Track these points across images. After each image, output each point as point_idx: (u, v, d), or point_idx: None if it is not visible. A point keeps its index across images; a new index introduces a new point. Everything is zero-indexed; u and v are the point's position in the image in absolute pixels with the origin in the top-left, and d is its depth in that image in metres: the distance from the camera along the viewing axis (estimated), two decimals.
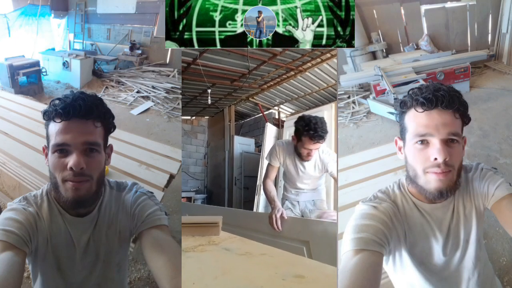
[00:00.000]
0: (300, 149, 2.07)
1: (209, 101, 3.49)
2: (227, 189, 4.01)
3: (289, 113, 4.05)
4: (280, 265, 1.06)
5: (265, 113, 4.04)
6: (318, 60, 2.92)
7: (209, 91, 3.37)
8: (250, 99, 3.94)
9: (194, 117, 4.64)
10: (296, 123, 2.06)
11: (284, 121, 3.83)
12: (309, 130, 1.97)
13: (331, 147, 2.80)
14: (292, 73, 3.22)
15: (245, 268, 1.05)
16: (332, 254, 1.61)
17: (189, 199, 4.11)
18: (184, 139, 4.46)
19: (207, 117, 4.68)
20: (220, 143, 4.29)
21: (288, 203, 2.27)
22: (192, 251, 1.17)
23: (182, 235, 1.35)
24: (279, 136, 3.61)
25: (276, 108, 4.10)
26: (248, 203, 3.72)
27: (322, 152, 2.14)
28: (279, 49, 2.74)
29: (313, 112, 3.19)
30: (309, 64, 3.03)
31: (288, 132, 3.37)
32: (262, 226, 2.07)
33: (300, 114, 2.15)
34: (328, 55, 2.80)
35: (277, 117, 4.07)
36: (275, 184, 2.28)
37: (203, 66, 2.92)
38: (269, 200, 2.07)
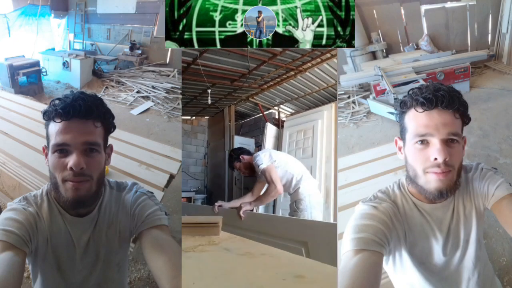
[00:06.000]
0: None
1: (209, 101, 3.49)
2: (227, 189, 4.00)
3: (289, 113, 4.05)
4: (280, 265, 1.06)
5: (265, 113, 4.03)
6: (318, 60, 2.92)
7: (209, 91, 3.36)
8: (250, 99, 3.93)
9: (194, 117, 4.63)
10: None
11: (284, 121, 3.82)
12: None
13: (331, 147, 2.81)
14: (292, 73, 3.22)
15: (245, 268, 1.05)
16: (331, 254, 1.62)
17: (189, 199, 4.10)
18: (184, 139, 4.45)
19: (207, 117, 4.67)
20: (220, 143, 4.28)
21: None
22: (192, 251, 1.17)
23: (182, 235, 1.35)
24: (279, 136, 3.60)
25: (276, 108, 4.10)
26: None
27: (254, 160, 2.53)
28: (279, 49, 2.74)
29: (313, 112, 3.20)
30: (309, 64, 3.02)
31: (288, 132, 3.36)
32: (262, 226, 2.08)
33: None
34: (328, 55, 2.79)
35: (277, 117, 4.07)
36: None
37: (203, 66, 2.91)
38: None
